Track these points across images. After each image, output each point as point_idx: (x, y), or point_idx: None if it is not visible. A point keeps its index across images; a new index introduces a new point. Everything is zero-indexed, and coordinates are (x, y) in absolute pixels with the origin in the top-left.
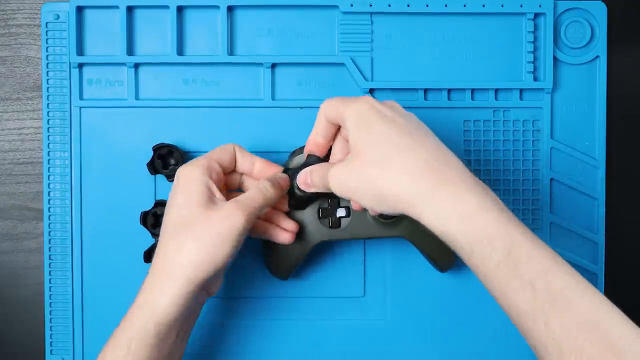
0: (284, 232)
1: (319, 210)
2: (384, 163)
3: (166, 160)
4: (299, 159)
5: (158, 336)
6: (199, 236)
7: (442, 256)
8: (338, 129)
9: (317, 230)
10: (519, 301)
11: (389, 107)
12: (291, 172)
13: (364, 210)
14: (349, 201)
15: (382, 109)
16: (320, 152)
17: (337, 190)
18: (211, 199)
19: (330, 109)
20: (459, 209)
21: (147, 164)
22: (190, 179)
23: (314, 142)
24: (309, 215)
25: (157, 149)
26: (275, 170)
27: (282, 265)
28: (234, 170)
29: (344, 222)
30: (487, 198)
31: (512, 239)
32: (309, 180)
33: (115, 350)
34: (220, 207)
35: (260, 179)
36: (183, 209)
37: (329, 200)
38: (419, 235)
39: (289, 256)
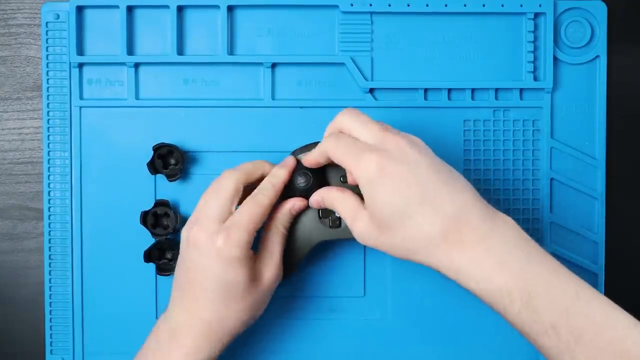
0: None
1: (319, 211)
2: (400, 224)
3: (166, 160)
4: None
5: None
6: (249, 305)
7: None
8: None
9: (317, 230)
10: (543, 342)
11: (400, 153)
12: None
13: None
14: None
15: (391, 167)
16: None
17: (360, 239)
18: (252, 271)
19: (338, 156)
20: (476, 273)
21: (148, 164)
22: (229, 259)
23: (316, 162)
24: (309, 215)
25: (157, 148)
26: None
27: (284, 266)
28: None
29: (344, 222)
30: (504, 246)
31: (530, 289)
32: (323, 203)
33: None
34: (263, 279)
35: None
36: (228, 285)
37: None
38: None
39: (289, 255)
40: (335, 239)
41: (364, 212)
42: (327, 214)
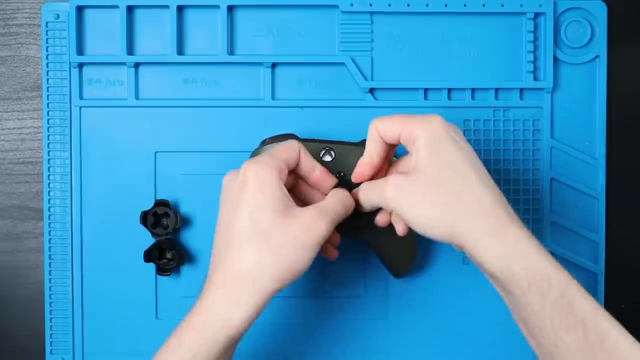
0: (332, 249)
1: None
2: (456, 193)
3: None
4: (269, 148)
5: (226, 351)
6: (279, 245)
7: (400, 263)
8: (391, 149)
9: None
10: (569, 339)
11: (457, 132)
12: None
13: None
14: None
15: (453, 134)
16: (371, 175)
17: (393, 201)
18: (288, 204)
19: (391, 127)
20: (522, 249)
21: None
22: (263, 182)
23: (371, 164)
24: None
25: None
26: (332, 180)
27: None
28: (292, 171)
29: None
30: (537, 241)
31: (565, 279)
32: (360, 197)
33: None
34: (301, 214)
35: (317, 185)
36: (258, 214)
37: None
38: (380, 242)
39: None
40: None
41: (396, 176)
42: None
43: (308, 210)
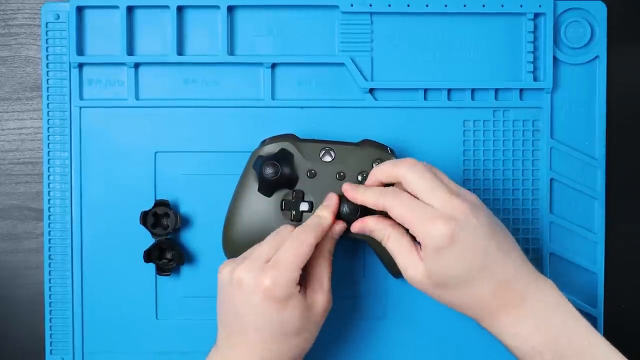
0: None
1: (282, 202)
2: (457, 287)
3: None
4: (270, 148)
5: None
6: (304, 337)
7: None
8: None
9: (277, 220)
10: None
11: (465, 221)
12: (262, 160)
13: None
14: (312, 196)
15: (460, 237)
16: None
17: (410, 281)
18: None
19: (401, 215)
20: (515, 331)
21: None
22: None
23: (362, 202)
24: (271, 204)
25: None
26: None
27: (239, 251)
28: None
29: (305, 216)
30: (544, 309)
31: (562, 352)
32: (368, 229)
33: None
34: (313, 306)
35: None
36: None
37: (293, 193)
38: (378, 242)
39: (246, 243)
40: None
41: (420, 263)
42: (289, 207)
43: (319, 300)
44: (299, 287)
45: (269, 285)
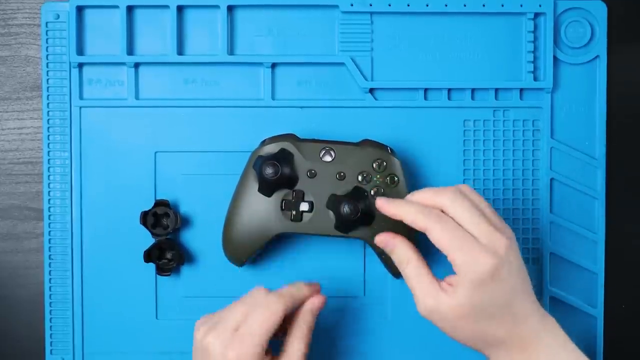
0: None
1: (282, 202)
2: (478, 322)
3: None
4: (270, 148)
5: None
6: None
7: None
8: None
9: (277, 221)
10: None
11: (506, 257)
12: (262, 160)
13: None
14: (312, 196)
15: (502, 274)
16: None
17: (425, 310)
18: None
19: (443, 243)
20: None
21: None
22: None
23: (399, 218)
24: (271, 204)
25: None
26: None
27: (239, 251)
28: None
29: (306, 216)
30: (553, 347)
31: None
32: (391, 246)
33: None
34: None
35: None
36: None
37: (293, 193)
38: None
39: (246, 243)
40: (295, 233)
41: (441, 294)
42: (289, 207)
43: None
44: (267, 358)
45: (233, 358)
